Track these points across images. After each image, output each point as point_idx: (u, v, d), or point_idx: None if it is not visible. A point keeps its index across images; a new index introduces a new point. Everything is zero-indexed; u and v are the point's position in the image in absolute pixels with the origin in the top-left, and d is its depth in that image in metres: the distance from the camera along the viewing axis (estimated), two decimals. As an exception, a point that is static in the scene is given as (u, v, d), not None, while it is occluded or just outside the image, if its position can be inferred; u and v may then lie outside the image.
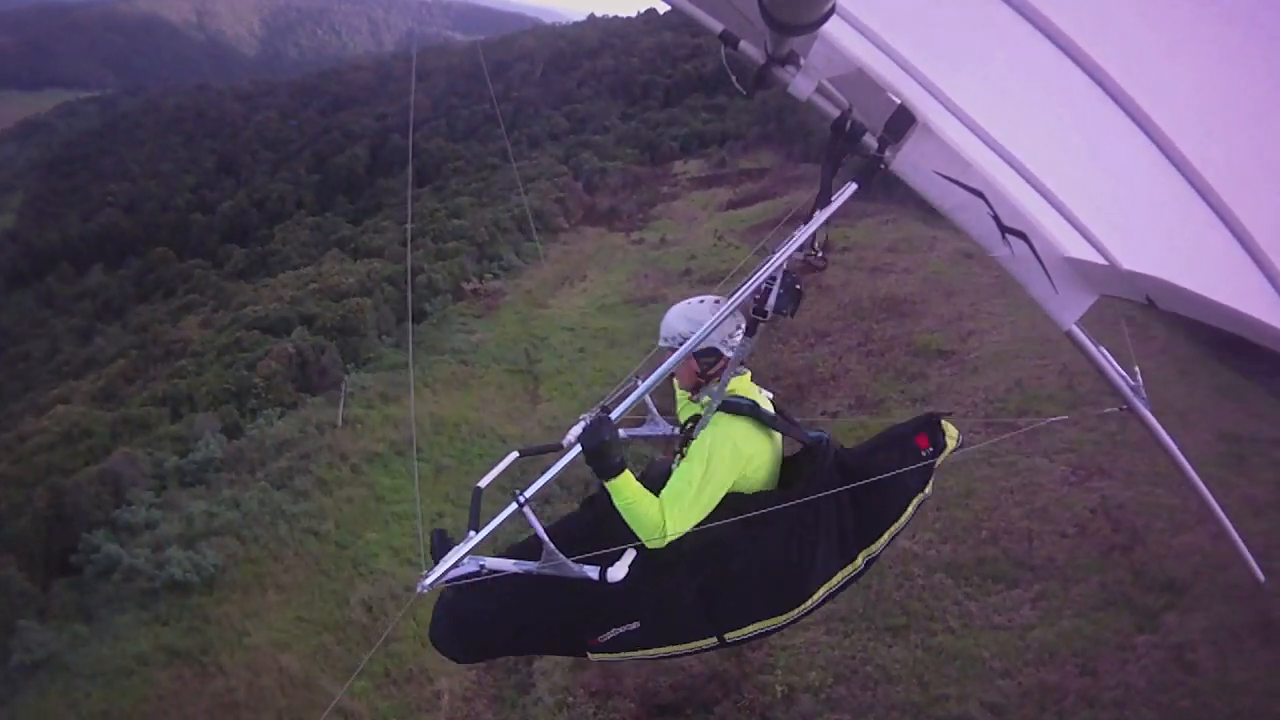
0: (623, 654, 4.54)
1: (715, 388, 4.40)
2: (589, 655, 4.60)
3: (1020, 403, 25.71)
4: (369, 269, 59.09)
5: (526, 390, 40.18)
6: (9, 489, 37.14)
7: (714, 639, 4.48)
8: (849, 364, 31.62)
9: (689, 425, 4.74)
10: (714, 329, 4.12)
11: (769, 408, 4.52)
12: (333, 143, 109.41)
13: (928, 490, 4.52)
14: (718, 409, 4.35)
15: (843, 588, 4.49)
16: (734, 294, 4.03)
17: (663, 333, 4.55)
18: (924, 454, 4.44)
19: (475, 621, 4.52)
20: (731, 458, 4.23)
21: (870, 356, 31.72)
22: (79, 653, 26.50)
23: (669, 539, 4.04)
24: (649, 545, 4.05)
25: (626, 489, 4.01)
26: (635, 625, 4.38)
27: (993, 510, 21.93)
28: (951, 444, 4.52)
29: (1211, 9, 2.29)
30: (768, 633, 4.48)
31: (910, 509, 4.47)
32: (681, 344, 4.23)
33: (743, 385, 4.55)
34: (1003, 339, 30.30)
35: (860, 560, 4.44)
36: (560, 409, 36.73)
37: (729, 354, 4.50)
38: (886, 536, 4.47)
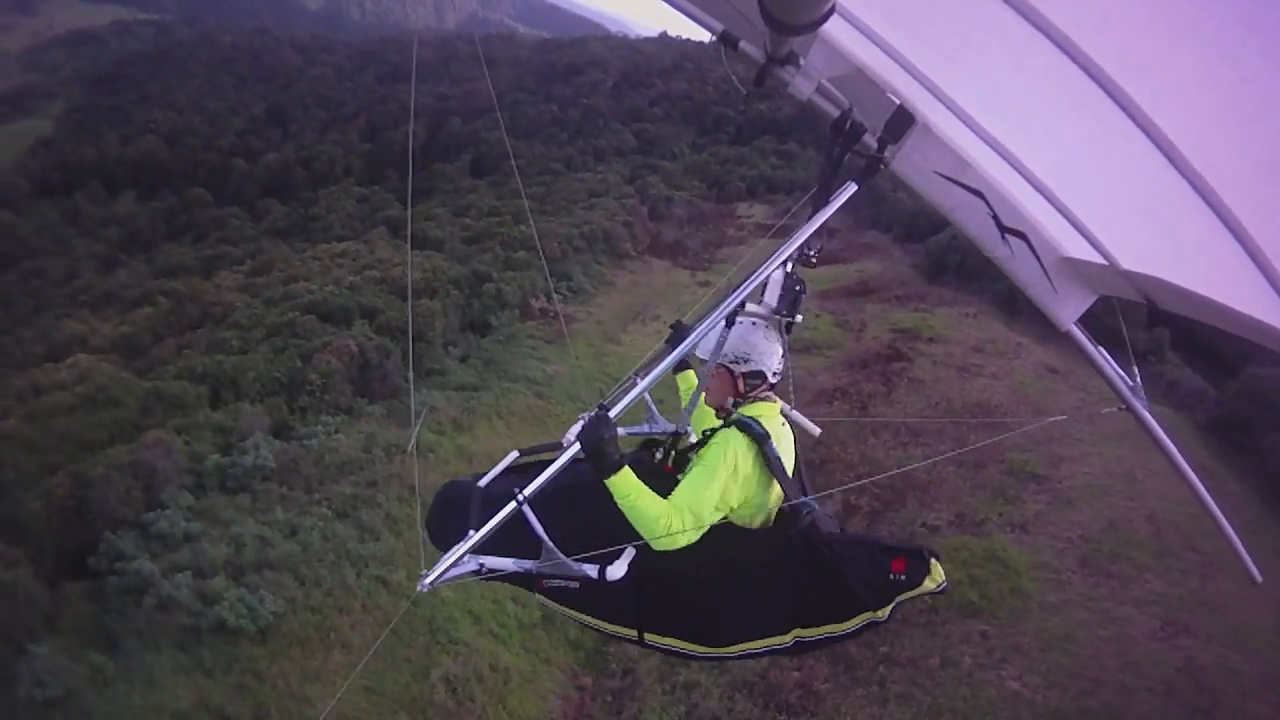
0: (557, 605, 4.92)
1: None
2: (535, 593, 4.92)
3: (1113, 546, 26.61)
4: (433, 265, 57.17)
5: (602, 435, 39.85)
6: (21, 455, 34.20)
7: (634, 632, 4.87)
8: (944, 472, 32.11)
9: (705, 434, 4.97)
10: (705, 334, 4.46)
11: (789, 451, 4.82)
12: (388, 114, 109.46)
13: (882, 615, 4.58)
14: (732, 425, 4.62)
15: (764, 653, 4.76)
16: (734, 292, 4.32)
17: (700, 349, 4.82)
18: (893, 577, 4.49)
19: (457, 513, 4.71)
20: (734, 470, 4.46)
21: (965, 468, 32.22)
22: (103, 695, 23.52)
23: (677, 543, 4.25)
24: (656, 547, 4.27)
25: (625, 486, 4.22)
26: (576, 585, 4.53)
27: (1091, 659, 22.73)
28: (930, 585, 4.52)
29: (1212, 9, 2.46)
30: (683, 654, 4.83)
31: (856, 621, 4.59)
32: (730, 361, 4.79)
33: (769, 415, 4.84)
34: (1093, 471, 31.05)
35: (790, 638, 4.67)
36: (634, 459, 37.04)
37: (772, 379, 4.93)
38: (823, 631, 4.65)
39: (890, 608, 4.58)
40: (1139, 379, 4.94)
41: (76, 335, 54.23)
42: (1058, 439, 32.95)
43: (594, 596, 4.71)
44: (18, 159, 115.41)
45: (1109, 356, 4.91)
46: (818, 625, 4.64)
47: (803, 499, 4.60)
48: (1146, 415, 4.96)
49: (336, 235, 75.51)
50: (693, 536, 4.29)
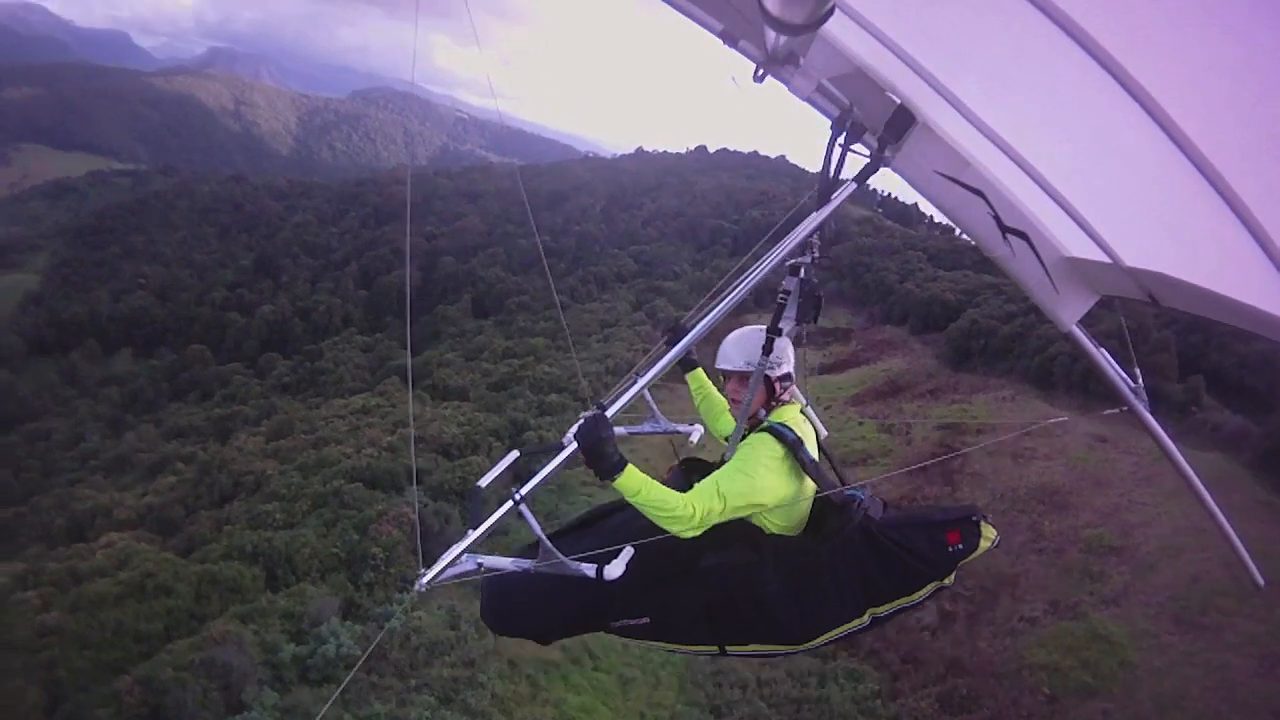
0: (632, 640, 5.23)
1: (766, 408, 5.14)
2: (606, 632, 5.23)
3: (1201, 599, 28.15)
4: (468, 417, 58.26)
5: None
6: (73, 652, 32.89)
7: (715, 647, 5.11)
8: (1027, 562, 33.20)
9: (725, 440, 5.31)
10: (701, 335, 4.83)
11: (813, 447, 5.03)
12: (380, 258, 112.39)
13: (948, 581, 4.98)
14: (765, 430, 4.85)
15: (845, 637, 5.07)
16: (736, 288, 4.59)
17: (719, 361, 5.29)
18: (951, 549, 4.85)
19: (513, 606, 5.20)
20: (764, 471, 4.67)
21: (1045, 555, 33.37)
22: None
23: (700, 529, 4.45)
24: (683, 536, 4.46)
25: (633, 482, 4.35)
26: (645, 620, 4.97)
27: (1205, 711, 24.54)
28: (985, 545, 4.89)
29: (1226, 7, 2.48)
30: (767, 655, 5.13)
31: (925, 591, 4.94)
32: (746, 366, 5.06)
33: (794, 418, 5.10)
34: (1164, 531, 32.26)
35: (866, 617, 4.98)
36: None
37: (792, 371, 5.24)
38: (894, 605, 4.99)
39: (954, 572, 4.96)
40: (1141, 380, 5.02)
41: (99, 507, 54.61)
42: (1124, 508, 34.41)
43: (664, 625, 5.04)
44: (8, 315, 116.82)
45: (1110, 358, 4.98)
46: (889, 601, 4.96)
47: (853, 491, 4.98)
48: (1147, 416, 5.01)
49: (348, 389, 76.87)
50: (713, 519, 4.50)
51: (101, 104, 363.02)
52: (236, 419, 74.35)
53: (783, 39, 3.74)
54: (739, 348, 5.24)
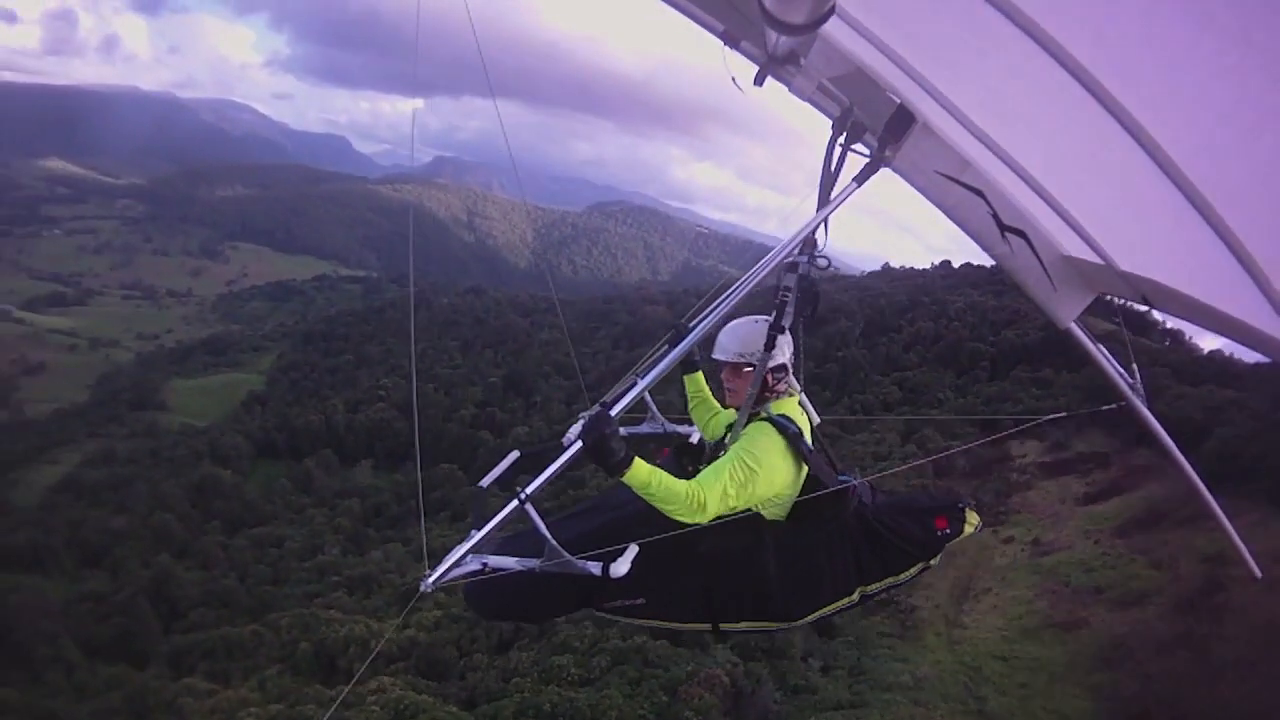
0: (623, 619, 5.53)
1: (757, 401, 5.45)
2: (595, 611, 5.52)
3: None
4: None
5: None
6: None
7: (708, 626, 5.55)
8: None
9: (725, 434, 5.70)
10: (698, 338, 5.10)
11: (809, 436, 5.42)
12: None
13: (934, 562, 5.61)
14: (765, 422, 5.25)
15: (834, 613, 5.60)
16: (739, 285, 4.92)
17: (715, 351, 5.67)
18: (940, 534, 5.50)
19: (502, 589, 5.09)
20: (768, 464, 5.04)
21: None
22: None
23: (707, 519, 4.75)
24: (690, 522, 4.72)
25: (642, 475, 4.57)
26: (640, 600, 5.28)
27: None
28: (969, 529, 5.57)
29: (1209, 28, 2.67)
30: (759, 631, 5.57)
31: (913, 571, 5.58)
32: (757, 360, 5.36)
33: (792, 408, 5.55)
34: None
35: (856, 595, 5.54)
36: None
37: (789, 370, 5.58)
38: (883, 584, 5.59)
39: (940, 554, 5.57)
40: (1139, 377, 5.26)
41: (354, 637, 54.92)
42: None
43: (660, 605, 5.37)
44: (230, 414, 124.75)
45: (1109, 355, 5.21)
46: (879, 581, 5.54)
47: (846, 477, 5.44)
48: (1145, 411, 5.25)
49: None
50: (721, 509, 4.84)
51: (325, 208, 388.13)
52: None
53: (783, 39, 3.99)
54: (735, 339, 5.59)
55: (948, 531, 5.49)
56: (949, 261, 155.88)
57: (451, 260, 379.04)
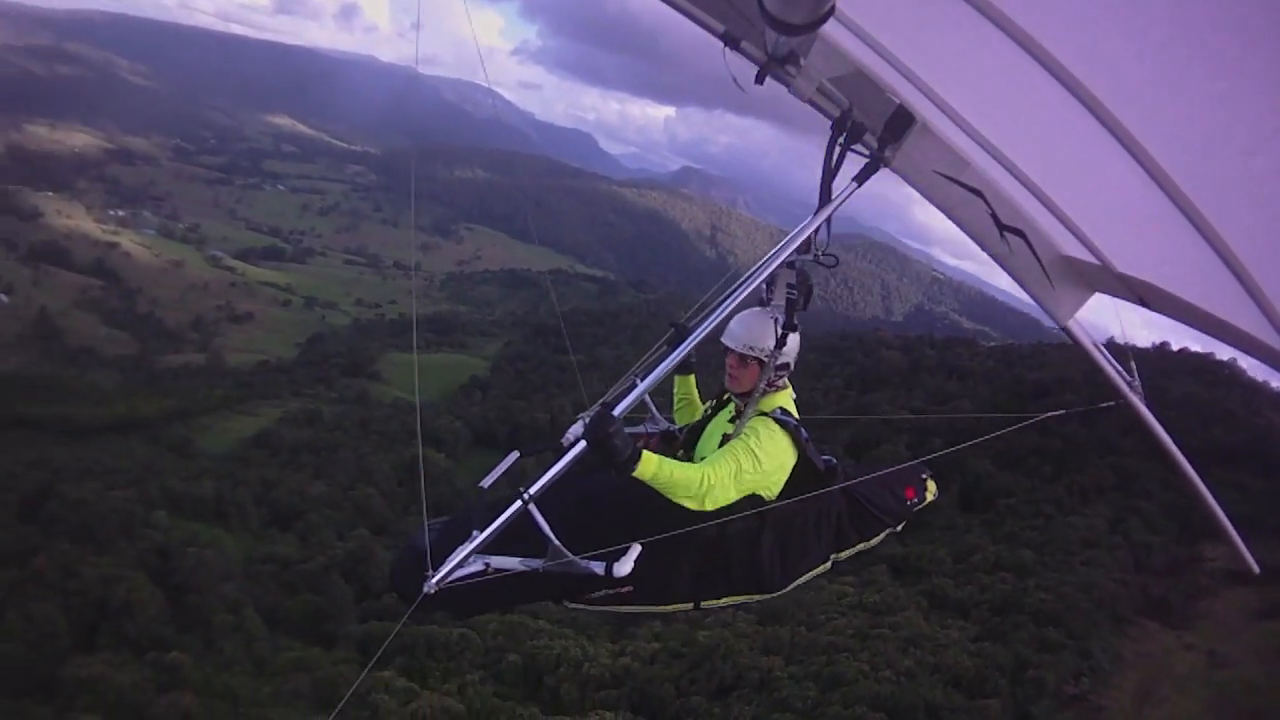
0: (605, 607, 5.57)
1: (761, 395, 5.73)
2: (568, 604, 5.59)
3: None
4: (978, 647, 56.67)
5: None
6: None
7: (689, 605, 5.69)
8: None
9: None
10: (702, 337, 5.20)
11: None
12: (869, 428, 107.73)
13: (899, 528, 6.25)
14: (769, 418, 5.54)
15: (810, 579, 5.97)
16: (742, 283, 5.09)
17: (726, 339, 5.81)
18: (909, 503, 6.22)
19: (478, 587, 5.00)
20: (774, 459, 5.36)
21: None
22: None
23: (714, 505, 5.02)
24: (702, 508, 4.98)
25: (651, 466, 4.72)
26: (629, 589, 5.27)
27: None
28: (930, 497, 6.35)
29: (1202, 52, 2.81)
30: (740, 604, 6.12)
31: (880, 536, 6.17)
32: (765, 355, 5.63)
33: (788, 401, 5.91)
34: None
35: (829, 563, 6.01)
36: None
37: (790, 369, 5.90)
38: (854, 549, 6.12)
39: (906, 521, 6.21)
40: (1137, 375, 5.39)
41: (565, 656, 55.89)
42: None
43: (649, 591, 5.45)
44: (448, 396, 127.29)
45: (1107, 352, 5.35)
46: (851, 547, 6.07)
47: (828, 458, 5.78)
48: (1144, 409, 5.40)
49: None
50: (728, 496, 5.10)
51: (567, 203, 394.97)
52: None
53: (783, 40, 4.06)
54: (746, 330, 5.74)
55: (916, 501, 6.25)
56: (1168, 343, 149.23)
57: (690, 272, 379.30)
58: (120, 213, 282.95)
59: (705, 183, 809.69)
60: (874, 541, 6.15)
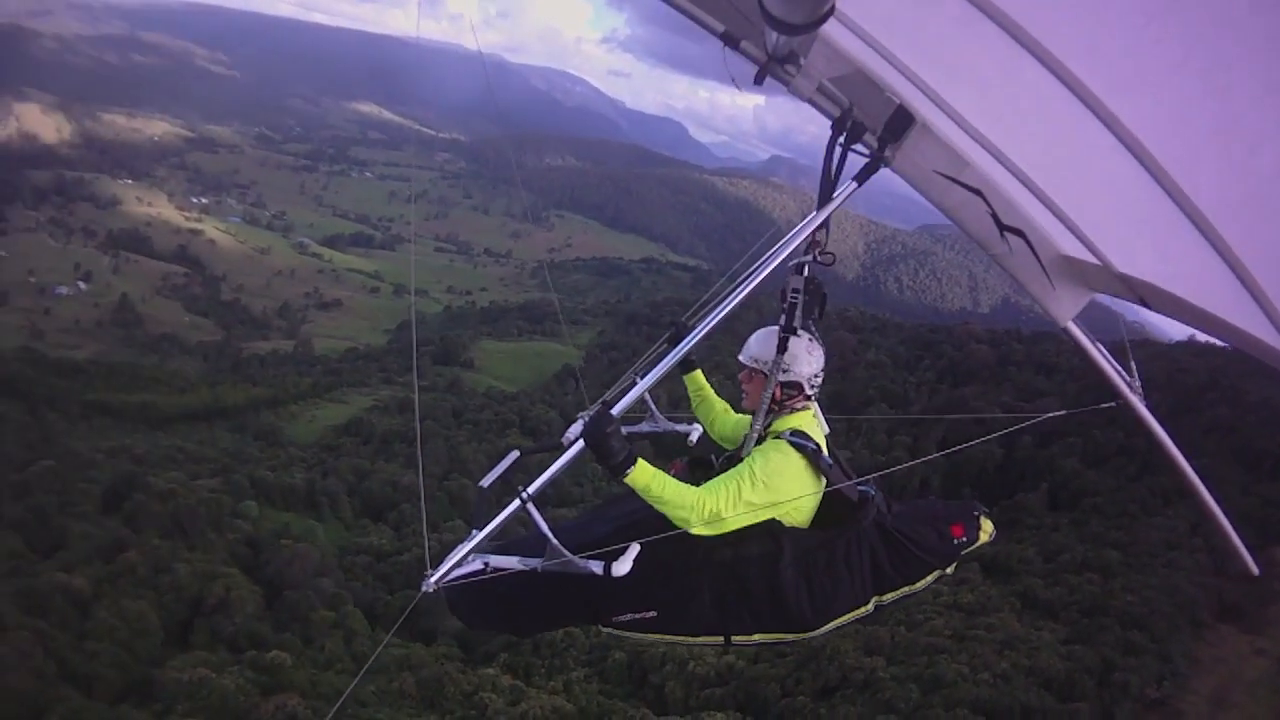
0: (635, 634, 5.45)
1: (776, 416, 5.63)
2: (602, 629, 5.53)
3: None
4: (1067, 649, 57.07)
5: None
6: None
7: (720, 639, 5.49)
8: None
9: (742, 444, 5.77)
10: (701, 336, 5.24)
11: (823, 446, 5.46)
12: (960, 425, 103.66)
13: (949, 570, 5.63)
14: (783, 440, 5.31)
15: (850, 623, 5.57)
16: (740, 286, 5.15)
17: (743, 353, 5.76)
18: (956, 542, 5.54)
19: (498, 596, 5.27)
20: (782, 482, 5.16)
21: None
22: None
23: (711, 528, 4.90)
24: (694, 531, 4.85)
25: (645, 477, 4.72)
26: (652, 614, 5.28)
27: None
28: (984, 538, 5.60)
29: (1199, 46, 2.85)
30: (773, 644, 5.59)
31: (929, 579, 5.60)
32: (768, 369, 5.52)
33: (808, 423, 5.65)
34: None
35: (871, 605, 5.53)
36: None
37: (810, 391, 5.71)
38: (900, 593, 5.57)
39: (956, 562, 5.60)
40: (1137, 375, 5.41)
41: (674, 655, 55.24)
42: None
43: (672, 618, 5.36)
44: (541, 384, 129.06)
45: (1107, 353, 5.35)
46: (895, 590, 5.54)
47: (865, 488, 5.50)
48: (1144, 410, 5.41)
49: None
50: (725, 520, 4.93)
51: (658, 191, 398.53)
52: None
53: (783, 39, 4.06)
54: (753, 340, 5.76)
55: (964, 539, 5.59)
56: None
57: (782, 263, 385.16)
58: (203, 200, 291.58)
59: (795, 172, 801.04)
60: (919, 586, 5.66)
